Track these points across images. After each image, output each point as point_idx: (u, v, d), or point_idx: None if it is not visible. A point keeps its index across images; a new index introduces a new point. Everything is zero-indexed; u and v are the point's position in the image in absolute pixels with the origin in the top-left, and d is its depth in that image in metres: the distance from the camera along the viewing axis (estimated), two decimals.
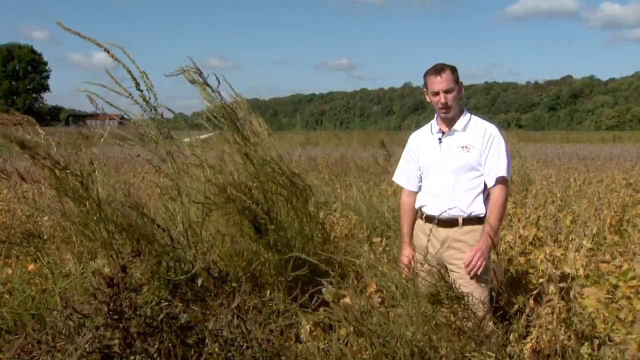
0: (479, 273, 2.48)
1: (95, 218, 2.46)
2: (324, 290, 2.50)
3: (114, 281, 1.95)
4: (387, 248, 4.27)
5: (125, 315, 1.94)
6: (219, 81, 2.85)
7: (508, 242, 4.34)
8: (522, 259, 3.86)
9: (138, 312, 1.99)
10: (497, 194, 2.55)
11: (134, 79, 2.68)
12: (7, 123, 2.61)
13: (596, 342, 2.29)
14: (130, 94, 2.72)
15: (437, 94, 2.57)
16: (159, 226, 2.56)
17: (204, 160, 2.87)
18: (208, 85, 2.84)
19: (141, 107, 2.79)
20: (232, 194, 2.67)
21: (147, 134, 2.82)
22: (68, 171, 2.34)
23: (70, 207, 2.55)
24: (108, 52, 2.59)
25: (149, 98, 2.76)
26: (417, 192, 2.80)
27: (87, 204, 2.44)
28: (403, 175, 2.87)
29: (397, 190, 6.03)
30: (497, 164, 2.55)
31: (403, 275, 2.67)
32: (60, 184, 2.36)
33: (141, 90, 2.73)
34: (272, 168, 2.86)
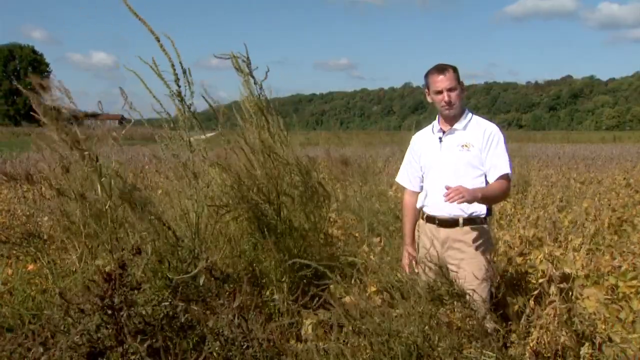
0: (452, 201, 2.33)
1: (104, 209, 2.44)
2: (331, 286, 2.51)
3: (112, 276, 1.95)
4: (387, 248, 4.27)
5: (121, 312, 1.94)
6: (266, 74, 2.86)
7: (507, 242, 4.34)
8: (519, 259, 3.86)
9: (134, 309, 1.99)
10: (502, 181, 2.55)
11: (175, 73, 2.61)
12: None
13: (598, 341, 2.30)
14: (170, 88, 2.65)
15: (440, 92, 2.57)
16: (164, 224, 2.56)
17: (218, 160, 2.86)
18: (252, 77, 2.83)
19: (176, 102, 2.73)
20: (246, 194, 2.66)
21: (178, 131, 2.78)
22: (86, 152, 2.33)
23: (72, 207, 2.55)
24: (158, 40, 2.54)
25: (185, 94, 2.71)
26: (419, 193, 2.81)
27: (98, 192, 2.42)
28: (405, 176, 2.88)
29: (398, 190, 6.04)
30: (498, 161, 2.55)
31: (404, 275, 2.67)
32: (68, 177, 2.35)
33: (179, 86, 2.67)
34: (291, 167, 2.86)
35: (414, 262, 2.76)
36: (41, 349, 1.86)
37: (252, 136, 2.88)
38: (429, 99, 2.70)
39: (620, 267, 3.20)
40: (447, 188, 2.33)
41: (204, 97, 2.96)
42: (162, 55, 2.61)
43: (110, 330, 1.94)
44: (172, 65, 2.60)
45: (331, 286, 2.59)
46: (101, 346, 1.94)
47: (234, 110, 3.11)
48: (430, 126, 2.80)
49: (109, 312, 1.94)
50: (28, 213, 5.02)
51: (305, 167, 2.99)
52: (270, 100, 2.97)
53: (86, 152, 2.33)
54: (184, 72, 2.64)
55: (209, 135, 3.35)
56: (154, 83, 2.72)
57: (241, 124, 2.93)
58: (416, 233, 2.83)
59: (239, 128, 2.96)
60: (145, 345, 1.93)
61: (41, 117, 2.30)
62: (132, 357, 1.95)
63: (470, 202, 2.40)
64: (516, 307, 2.59)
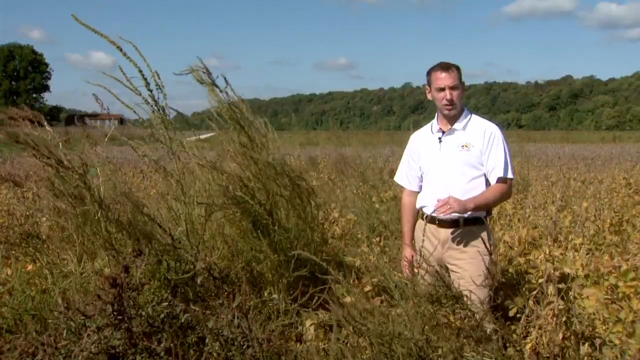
0: (443, 213, 2.42)
1: (96, 217, 2.45)
2: (335, 286, 2.51)
3: (117, 281, 1.95)
4: (386, 249, 4.26)
5: (129, 315, 1.95)
6: (226, 82, 2.89)
7: (507, 242, 4.34)
8: (521, 259, 3.86)
9: (140, 312, 2.00)
10: (499, 184, 2.56)
11: (144, 78, 2.65)
12: (17, 118, 2.59)
13: (597, 341, 2.29)
14: (140, 93, 2.69)
15: (442, 89, 2.56)
16: (160, 226, 2.56)
17: (207, 161, 2.87)
18: (216, 86, 2.86)
19: (150, 106, 2.76)
20: (235, 195, 2.67)
21: (155, 134, 2.81)
22: (70, 170, 2.34)
23: (70, 207, 2.55)
24: (120, 49, 2.58)
25: (158, 98, 2.74)
26: (418, 192, 2.80)
27: (87, 202, 2.43)
28: (404, 176, 2.87)
29: (397, 191, 6.04)
30: (499, 163, 2.55)
31: (403, 276, 2.67)
32: (62, 182, 2.36)
33: (151, 90, 2.70)
34: (276, 169, 2.87)
35: (413, 263, 2.75)
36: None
37: (231, 141, 2.90)
38: (429, 97, 2.69)
39: (620, 267, 3.19)
40: (439, 200, 2.37)
41: (172, 108, 2.99)
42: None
43: (123, 334, 1.95)
44: (140, 71, 2.64)
45: (331, 286, 2.58)
46: (115, 351, 1.95)
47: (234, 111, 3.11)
48: (428, 125, 2.78)
49: (119, 317, 1.95)
50: (27, 213, 5.01)
51: (289, 166, 3.00)
52: (248, 103, 2.99)
53: (71, 171, 2.34)
54: (153, 76, 2.67)
55: (210, 134, 3.35)
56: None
57: (217, 131, 2.96)
58: (416, 233, 2.83)
59: (218, 135, 2.99)
60: (163, 345, 1.94)
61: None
62: (140, 357, 1.96)
63: (460, 212, 2.44)
64: (515, 307, 2.58)
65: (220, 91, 2.87)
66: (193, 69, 2.79)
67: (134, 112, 2.75)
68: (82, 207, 2.44)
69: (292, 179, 2.91)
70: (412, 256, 2.78)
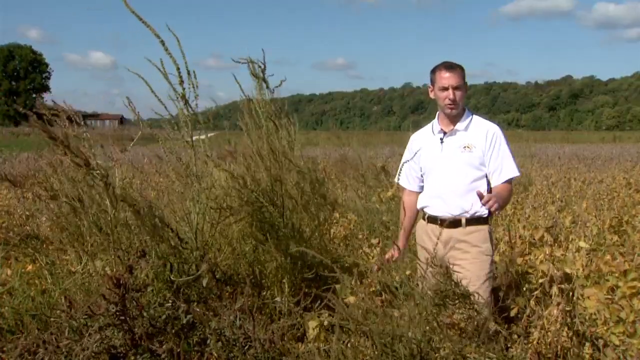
0: (491, 207, 2.32)
1: (109, 217, 2.44)
2: (337, 286, 2.51)
3: (121, 282, 1.95)
4: (387, 249, 4.26)
5: (131, 316, 1.95)
6: (281, 82, 2.94)
7: (508, 242, 4.34)
8: (522, 260, 3.85)
9: (143, 313, 2.00)
10: (506, 184, 2.57)
11: (180, 75, 2.62)
12: (45, 113, 2.58)
13: (600, 342, 2.29)
14: (175, 90, 2.67)
15: (446, 89, 2.55)
16: (168, 226, 2.55)
17: (223, 163, 2.86)
18: (265, 82, 2.89)
19: (180, 104, 2.73)
20: (251, 196, 2.66)
21: (181, 132, 2.80)
22: (94, 170, 2.33)
23: (75, 208, 2.54)
24: (163, 44, 2.54)
25: (189, 96, 2.72)
26: (418, 192, 2.80)
27: (107, 203, 2.43)
28: (404, 176, 2.87)
29: (397, 191, 6.03)
30: (503, 164, 2.56)
31: (376, 269, 2.71)
32: (88, 181, 2.37)
33: (184, 88, 2.67)
34: (304, 174, 2.89)
35: (390, 261, 2.74)
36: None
37: (260, 140, 2.90)
38: (431, 95, 2.68)
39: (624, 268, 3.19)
40: (480, 194, 2.31)
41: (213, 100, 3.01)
42: (164, 55, 2.62)
43: (125, 334, 1.95)
44: (178, 69, 2.60)
45: (336, 286, 2.58)
46: (117, 351, 1.95)
47: (231, 111, 3.13)
48: (429, 126, 2.78)
49: (122, 317, 1.95)
50: (27, 213, 5.01)
51: (314, 171, 3.01)
52: (281, 104, 3.01)
53: (97, 172, 2.33)
54: (189, 73, 2.64)
55: (210, 135, 3.34)
56: (153, 84, 2.72)
57: (250, 126, 2.94)
58: (418, 233, 2.82)
59: (248, 131, 2.97)
60: (165, 347, 1.94)
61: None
62: (142, 358, 1.96)
63: (500, 209, 2.40)
64: (516, 308, 2.58)
65: (267, 87, 2.89)
66: (252, 61, 2.82)
67: (166, 108, 2.71)
68: (91, 207, 2.44)
69: (313, 183, 2.92)
70: (393, 256, 2.75)
